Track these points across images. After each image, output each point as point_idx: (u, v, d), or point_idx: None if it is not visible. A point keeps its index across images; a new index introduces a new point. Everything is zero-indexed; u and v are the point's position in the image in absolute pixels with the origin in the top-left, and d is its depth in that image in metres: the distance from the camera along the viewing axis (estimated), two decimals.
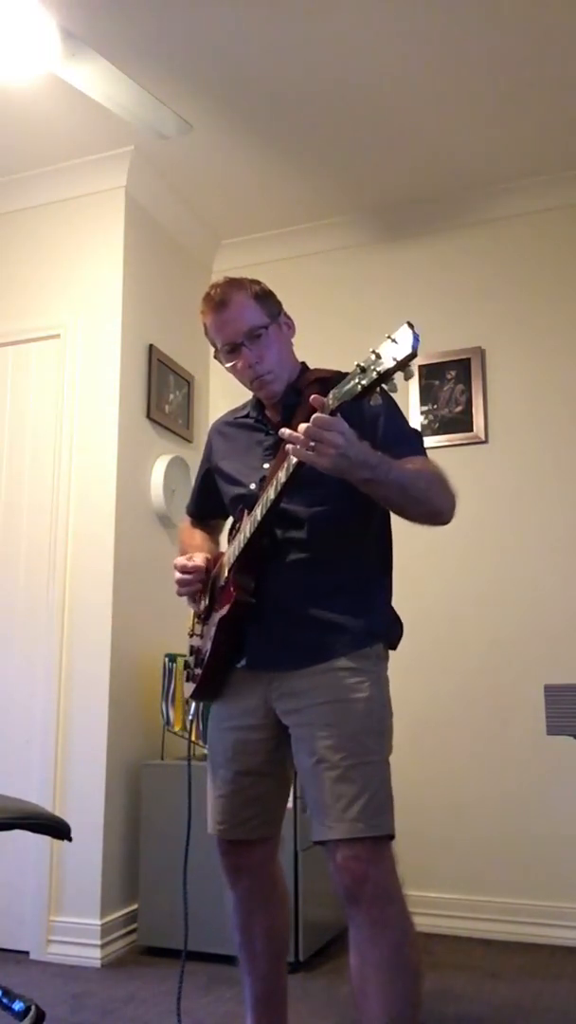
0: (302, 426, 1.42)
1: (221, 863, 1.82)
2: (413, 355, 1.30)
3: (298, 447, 1.43)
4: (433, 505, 1.62)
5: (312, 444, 1.41)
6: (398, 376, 1.33)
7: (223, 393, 3.72)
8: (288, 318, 1.86)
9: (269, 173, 3.39)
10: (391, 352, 1.31)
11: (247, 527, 1.70)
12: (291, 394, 1.79)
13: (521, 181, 3.43)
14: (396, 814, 1.62)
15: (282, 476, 1.57)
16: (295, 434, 1.43)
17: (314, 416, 1.41)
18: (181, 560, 1.86)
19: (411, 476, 1.58)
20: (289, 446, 1.46)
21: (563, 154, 3.27)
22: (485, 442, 3.40)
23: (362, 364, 1.35)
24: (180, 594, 1.87)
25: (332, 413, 1.41)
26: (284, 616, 1.71)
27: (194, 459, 3.48)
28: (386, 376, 1.33)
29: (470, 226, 3.57)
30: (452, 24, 2.62)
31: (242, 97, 2.95)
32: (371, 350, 1.34)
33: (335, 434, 1.40)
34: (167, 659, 3.08)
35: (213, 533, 2.09)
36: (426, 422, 3.48)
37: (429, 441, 3.40)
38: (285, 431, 1.47)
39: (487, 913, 3.07)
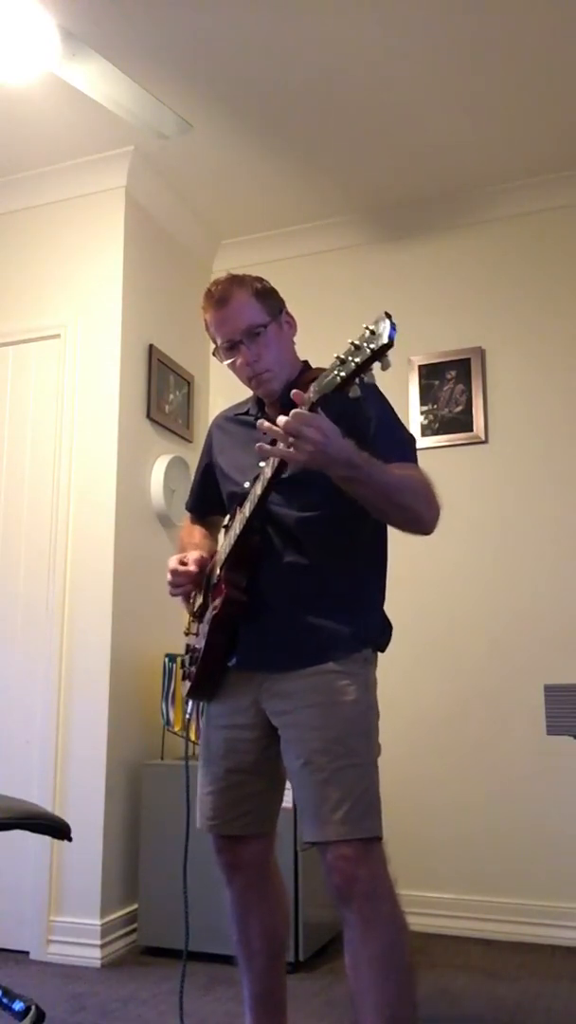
0: (281, 419, 1.41)
1: (216, 860, 1.82)
2: (390, 345, 1.30)
3: (278, 444, 1.43)
4: (414, 512, 1.61)
5: (291, 440, 1.40)
6: (376, 366, 1.33)
7: (223, 393, 3.72)
8: (290, 316, 1.86)
9: (269, 173, 3.39)
10: (369, 342, 1.31)
11: (237, 524, 1.71)
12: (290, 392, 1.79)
13: (521, 181, 3.43)
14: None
15: (268, 472, 1.56)
16: (273, 427, 1.42)
17: (293, 411, 1.40)
18: (173, 562, 1.86)
19: (395, 480, 1.56)
20: (260, 445, 1.45)
21: (563, 154, 3.27)
22: (485, 442, 3.40)
23: (341, 355, 1.35)
24: (172, 595, 1.89)
25: (315, 405, 1.40)
26: (276, 618, 1.71)
27: (194, 459, 3.48)
28: (364, 366, 1.32)
29: (470, 226, 3.57)
30: (452, 24, 2.62)
31: (242, 97, 2.95)
32: (350, 340, 1.34)
33: (313, 430, 1.40)
34: (167, 659, 3.08)
35: (213, 530, 2.09)
36: (426, 422, 3.48)
37: (429, 441, 3.41)
38: (263, 423, 1.45)
39: (487, 913, 3.07)
